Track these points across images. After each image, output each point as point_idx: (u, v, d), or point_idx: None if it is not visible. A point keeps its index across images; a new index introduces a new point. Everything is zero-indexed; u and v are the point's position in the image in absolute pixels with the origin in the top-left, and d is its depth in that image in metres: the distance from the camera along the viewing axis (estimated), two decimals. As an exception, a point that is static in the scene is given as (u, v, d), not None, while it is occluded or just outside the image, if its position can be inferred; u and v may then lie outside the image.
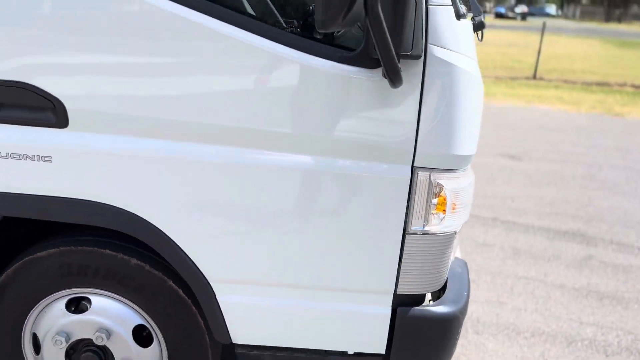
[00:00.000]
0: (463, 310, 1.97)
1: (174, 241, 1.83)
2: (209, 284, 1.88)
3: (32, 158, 1.76)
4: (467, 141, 1.74)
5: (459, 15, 1.62)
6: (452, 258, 2.05)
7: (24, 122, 1.74)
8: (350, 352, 1.95)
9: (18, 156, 1.76)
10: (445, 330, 1.93)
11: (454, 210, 1.80)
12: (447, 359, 2.01)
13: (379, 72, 1.55)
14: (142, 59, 1.68)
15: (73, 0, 1.65)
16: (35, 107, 1.71)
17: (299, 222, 1.79)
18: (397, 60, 1.36)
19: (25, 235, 2.09)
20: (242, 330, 1.95)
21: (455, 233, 1.88)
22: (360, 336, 1.93)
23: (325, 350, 1.96)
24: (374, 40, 1.35)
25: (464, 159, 1.77)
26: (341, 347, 1.95)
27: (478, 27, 2.15)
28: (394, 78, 1.40)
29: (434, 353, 1.96)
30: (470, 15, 1.95)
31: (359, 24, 1.54)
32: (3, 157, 1.76)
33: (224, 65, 1.67)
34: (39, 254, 1.98)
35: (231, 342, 1.97)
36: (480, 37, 2.23)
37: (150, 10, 1.62)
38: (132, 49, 1.66)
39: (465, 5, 1.91)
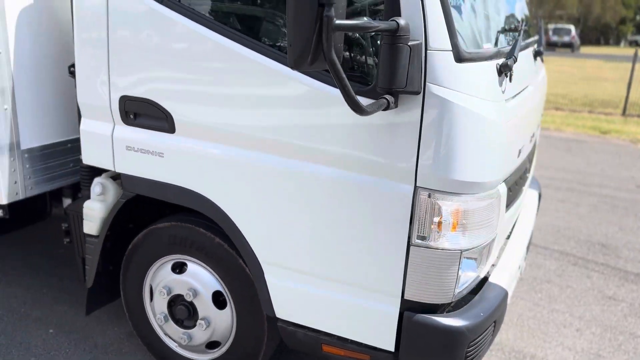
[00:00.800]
0: (473, 329, 2.12)
1: (238, 228, 2.36)
2: (260, 264, 2.37)
3: (152, 153, 2.47)
4: (470, 169, 1.93)
5: (460, 59, 1.86)
6: (473, 278, 2.21)
7: (149, 127, 2.46)
8: (365, 342, 2.23)
9: (144, 151, 2.49)
10: (448, 341, 2.10)
11: (455, 230, 1.99)
12: None
13: (393, 108, 1.88)
14: (225, 90, 2.24)
15: (180, 48, 2.30)
16: (155, 117, 2.41)
17: (329, 225, 2.18)
18: (354, 95, 1.67)
19: (149, 211, 2.83)
20: (283, 308, 2.39)
21: (463, 251, 2.05)
22: (374, 331, 2.21)
23: (345, 338, 2.28)
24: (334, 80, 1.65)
25: (471, 185, 1.96)
26: (358, 337, 2.25)
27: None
28: (354, 109, 1.71)
29: None
30: (506, 59, 2.11)
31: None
32: (135, 151, 2.51)
33: (281, 96, 2.14)
34: (158, 225, 2.69)
35: (275, 316, 2.42)
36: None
37: (241, 59, 2.17)
38: (220, 82, 2.24)
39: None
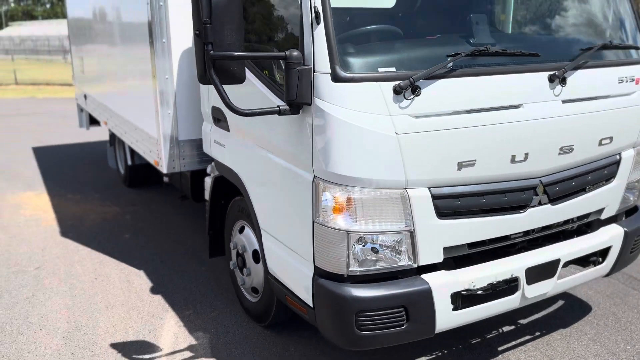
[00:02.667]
0: (360, 300, 2.56)
1: (250, 199, 3.31)
2: (260, 229, 3.25)
3: (219, 144, 3.62)
4: (346, 165, 2.45)
5: (337, 79, 2.40)
6: (385, 262, 2.63)
7: (221, 127, 3.61)
8: (301, 298, 2.88)
9: (219, 143, 3.66)
10: (338, 305, 2.60)
11: (340, 213, 2.51)
12: (349, 340, 2.63)
13: (300, 114, 2.57)
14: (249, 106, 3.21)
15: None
16: (222, 120, 3.55)
17: (280, 200, 2.98)
18: (229, 101, 2.40)
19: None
20: (269, 264, 3.21)
21: (350, 233, 2.53)
22: (304, 289, 2.84)
23: (294, 293, 2.96)
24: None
25: (349, 179, 2.47)
26: (298, 293, 2.91)
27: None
28: (232, 111, 2.45)
29: (334, 325, 2.66)
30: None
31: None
32: (215, 143, 3.70)
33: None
34: (235, 199, 3.82)
35: (267, 270, 3.25)
36: None
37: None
38: (246, 103, 3.22)
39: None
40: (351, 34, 2.67)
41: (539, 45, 3.16)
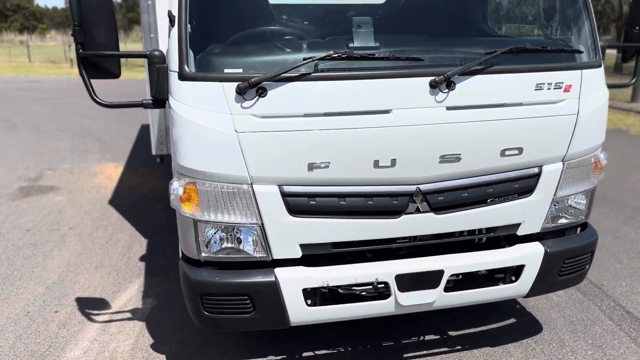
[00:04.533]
0: (201, 283, 2.79)
1: None
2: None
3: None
4: (186, 158, 2.65)
5: (183, 78, 2.59)
6: (241, 252, 2.82)
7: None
8: (182, 277, 3.14)
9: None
10: (185, 285, 2.86)
11: (186, 202, 2.72)
12: (200, 320, 2.87)
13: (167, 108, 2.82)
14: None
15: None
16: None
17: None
18: (91, 94, 2.70)
19: None
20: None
21: (197, 221, 2.73)
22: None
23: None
24: None
25: (189, 171, 2.67)
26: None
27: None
28: (96, 103, 2.74)
29: (188, 304, 2.95)
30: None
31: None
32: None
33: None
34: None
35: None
36: None
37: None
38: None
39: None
40: (212, 35, 2.83)
41: (439, 48, 2.99)
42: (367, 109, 2.69)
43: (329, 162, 2.70)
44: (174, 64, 2.64)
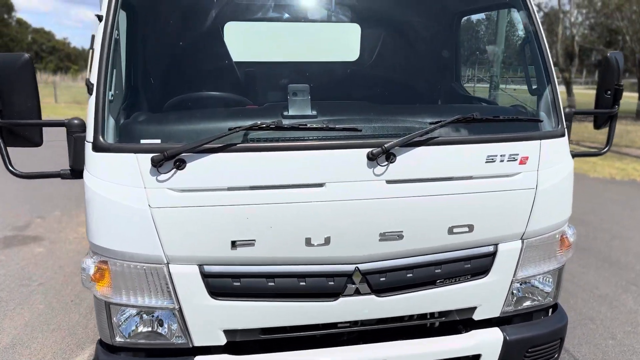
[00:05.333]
0: None
1: None
2: None
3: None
4: (97, 235, 2.45)
5: (96, 148, 2.42)
6: (159, 338, 2.58)
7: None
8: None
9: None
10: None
11: (96, 282, 2.50)
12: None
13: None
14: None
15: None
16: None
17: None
18: (7, 166, 2.53)
19: None
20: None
21: (110, 304, 2.51)
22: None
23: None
24: None
25: (101, 249, 2.47)
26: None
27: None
28: (11, 173, 2.57)
29: None
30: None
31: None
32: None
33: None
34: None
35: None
36: None
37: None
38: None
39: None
40: (137, 104, 2.68)
41: (384, 117, 2.77)
42: (297, 182, 2.48)
43: (254, 240, 2.48)
44: (89, 134, 2.47)
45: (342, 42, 3.87)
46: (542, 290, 2.97)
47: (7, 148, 2.58)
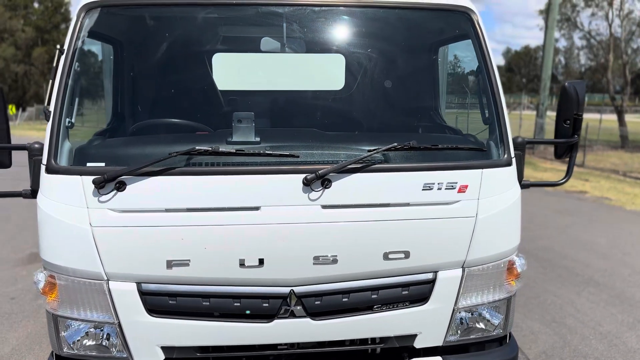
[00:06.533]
0: None
1: None
2: None
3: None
4: (46, 251, 2.63)
5: (47, 170, 2.62)
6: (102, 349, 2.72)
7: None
8: None
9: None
10: None
11: (46, 295, 2.68)
12: None
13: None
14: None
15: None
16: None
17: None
18: None
19: None
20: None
21: (59, 317, 2.67)
22: None
23: None
24: None
25: (49, 265, 2.64)
26: None
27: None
28: None
29: None
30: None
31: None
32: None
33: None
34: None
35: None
36: None
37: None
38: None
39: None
40: (113, 129, 2.87)
41: (324, 144, 2.85)
42: (233, 205, 2.59)
43: (189, 260, 2.59)
44: (44, 157, 2.68)
45: (325, 72, 3.99)
46: (490, 320, 2.93)
47: (-21, 170, 2.83)
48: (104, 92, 3.70)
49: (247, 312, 2.67)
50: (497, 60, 2.91)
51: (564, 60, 56.52)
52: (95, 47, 3.75)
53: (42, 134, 2.89)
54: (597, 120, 26.11)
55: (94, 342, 2.72)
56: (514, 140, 2.93)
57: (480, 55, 3.00)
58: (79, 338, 2.72)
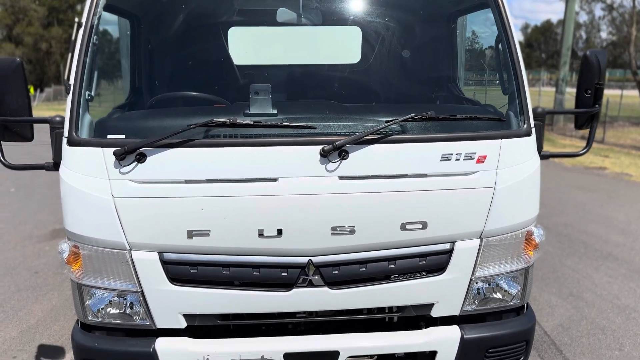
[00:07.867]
0: (89, 351, 2.76)
1: None
2: None
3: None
4: (70, 222, 2.68)
5: (69, 142, 2.66)
6: (130, 318, 2.80)
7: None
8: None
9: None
10: (74, 351, 2.82)
11: (72, 265, 2.74)
12: None
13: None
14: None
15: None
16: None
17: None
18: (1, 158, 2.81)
19: None
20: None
21: (83, 285, 2.75)
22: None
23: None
24: None
25: (73, 235, 2.70)
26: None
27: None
28: (2, 164, 2.85)
29: None
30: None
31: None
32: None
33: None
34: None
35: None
36: None
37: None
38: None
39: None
40: (112, 102, 2.90)
41: (343, 116, 2.85)
42: (252, 176, 2.61)
43: (209, 230, 2.63)
44: (65, 129, 2.72)
45: (341, 45, 3.96)
46: (507, 291, 2.94)
47: (2, 143, 2.88)
48: (122, 70, 3.72)
49: (267, 281, 2.71)
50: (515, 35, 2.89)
51: (585, 35, 55.30)
52: (112, 26, 3.76)
53: (61, 114, 2.93)
54: (617, 96, 25.59)
55: (117, 310, 2.78)
56: (533, 110, 2.90)
57: (500, 24, 2.95)
58: (103, 306, 2.79)
